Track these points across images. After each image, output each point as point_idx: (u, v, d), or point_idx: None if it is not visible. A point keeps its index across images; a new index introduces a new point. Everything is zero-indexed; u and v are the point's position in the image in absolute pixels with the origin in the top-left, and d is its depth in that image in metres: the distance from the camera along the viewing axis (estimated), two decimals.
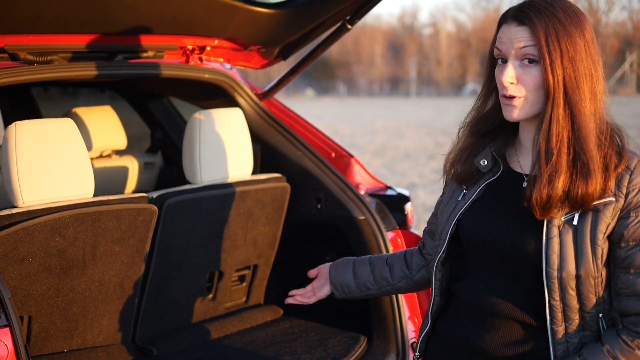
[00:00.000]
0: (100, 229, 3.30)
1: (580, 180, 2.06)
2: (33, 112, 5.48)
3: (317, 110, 39.77)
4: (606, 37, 68.08)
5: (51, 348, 3.37)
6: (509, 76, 2.15)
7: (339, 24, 3.84)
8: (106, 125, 4.35)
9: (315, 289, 2.83)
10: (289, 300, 2.86)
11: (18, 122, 3.12)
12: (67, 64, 3.51)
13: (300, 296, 2.85)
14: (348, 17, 3.78)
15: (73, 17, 3.30)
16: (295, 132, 4.20)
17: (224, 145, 3.81)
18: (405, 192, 4.14)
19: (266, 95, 4.34)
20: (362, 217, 3.84)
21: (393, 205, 4.03)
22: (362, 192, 4.07)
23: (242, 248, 3.97)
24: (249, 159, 3.92)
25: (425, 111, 39.19)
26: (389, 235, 3.86)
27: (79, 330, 3.44)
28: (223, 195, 3.77)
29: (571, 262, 2.09)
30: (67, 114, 4.33)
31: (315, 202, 4.04)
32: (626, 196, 2.08)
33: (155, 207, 3.49)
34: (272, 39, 3.97)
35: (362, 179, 4.20)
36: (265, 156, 4.23)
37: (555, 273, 2.10)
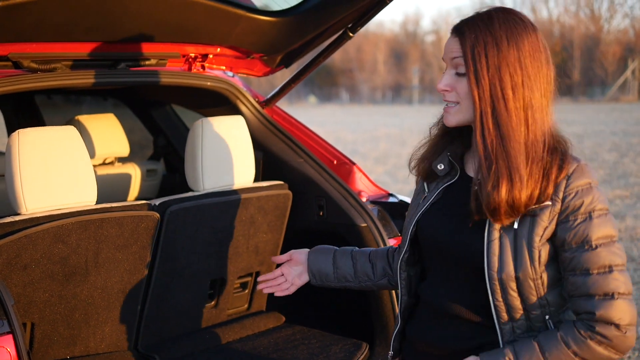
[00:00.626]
0: (102, 236, 3.30)
1: (515, 187, 2.12)
2: (36, 120, 5.50)
3: (319, 118, 39.79)
4: (608, 44, 68.13)
5: (54, 355, 3.37)
6: (442, 83, 2.28)
7: (341, 32, 3.85)
8: (109, 133, 4.36)
9: (294, 278, 2.83)
10: (261, 287, 2.84)
11: (21, 130, 3.13)
12: (70, 71, 3.53)
13: (276, 286, 2.82)
14: (350, 25, 3.79)
15: (76, 25, 3.31)
16: (297, 140, 4.21)
17: (226, 152, 3.82)
18: (407, 200, 4.15)
19: (268, 102, 4.35)
20: (364, 225, 3.85)
21: (395, 213, 4.04)
22: (364, 199, 4.08)
23: (244, 255, 3.97)
24: (251, 166, 3.93)
25: (427, 118, 38.58)
26: (391, 242, 3.86)
27: (81, 337, 3.45)
28: (225, 202, 3.78)
29: (510, 264, 2.16)
30: (70, 121, 4.34)
31: (317, 209, 4.05)
32: (563, 200, 2.14)
33: (157, 215, 3.50)
34: (274, 46, 3.99)
35: (364, 186, 4.21)
36: (267, 163, 4.24)
37: (495, 274, 2.17)
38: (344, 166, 4.24)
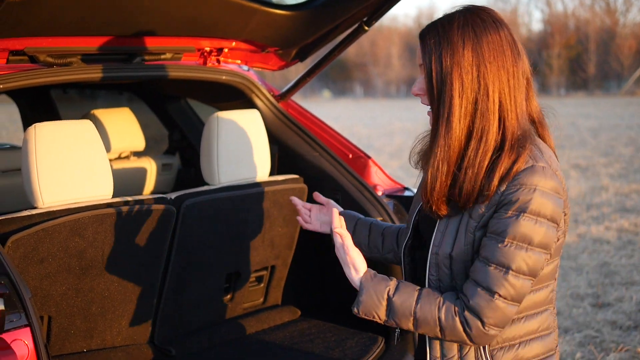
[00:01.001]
0: (119, 230, 3.31)
1: (458, 182, 2.24)
2: (52, 114, 5.52)
3: (333, 112, 39.78)
4: (624, 38, 67.80)
5: (71, 348, 3.39)
6: (414, 88, 2.39)
7: (356, 26, 3.85)
8: (124, 127, 4.37)
9: (317, 222, 3.01)
10: (295, 200, 3.05)
11: (38, 124, 3.14)
12: (86, 66, 3.53)
13: (302, 212, 3.04)
14: (365, 19, 3.79)
15: (92, 19, 3.32)
16: (312, 134, 4.21)
17: (242, 146, 3.82)
18: None
19: (283, 96, 4.35)
20: (379, 218, 3.85)
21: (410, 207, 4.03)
22: (379, 193, 4.07)
23: (260, 249, 3.98)
24: (267, 160, 3.93)
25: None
26: None
27: (98, 330, 3.46)
28: (241, 196, 3.78)
29: (448, 243, 2.28)
30: (86, 115, 4.35)
31: None
32: (502, 193, 2.18)
33: (173, 208, 3.51)
34: (289, 40, 3.98)
35: (380, 180, 4.20)
36: (283, 157, 4.24)
37: (435, 249, 2.32)
38: (360, 160, 4.24)
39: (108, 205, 3.28)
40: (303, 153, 4.17)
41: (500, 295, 2.17)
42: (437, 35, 2.25)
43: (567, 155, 18.25)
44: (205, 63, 4.01)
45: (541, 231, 2.16)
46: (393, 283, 2.31)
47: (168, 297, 3.67)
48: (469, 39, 2.21)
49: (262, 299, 4.25)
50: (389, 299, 2.28)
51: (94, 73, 3.54)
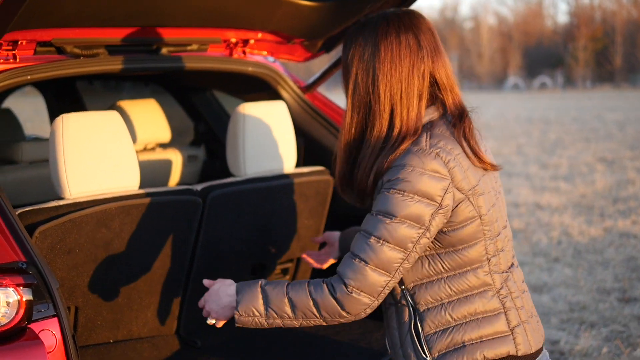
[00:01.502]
0: (145, 221, 3.32)
1: (340, 173, 2.54)
2: (78, 106, 5.53)
3: None
4: None
5: (97, 339, 3.40)
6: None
7: None
8: (150, 119, 4.37)
9: (326, 255, 3.30)
10: (304, 255, 3.33)
11: (65, 115, 3.15)
12: (112, 57, 3.54)
13: (314, 257, 3.33)
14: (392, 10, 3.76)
15: (118, 10, 3.32)
16: (338, 125, 4.20)
17: (268, 138, 3.81)
18: None
19: (309, 88, 4.33)
20: None
21: None
22: None
23: (286, 241, 3.97)
24: (293, 151, 3.92)
25: (466, 105, 38.87)
26: None
27: (124, 321, 3.47)
28: (266, 188, 3.77)
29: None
30: (112, 107, 4.36)
31: None
32: (382, 181, 2.33)
33: (199, 200, 3.51)
34: (315, 31, 3.97)
35: None
36: (309, 149, 4.23)
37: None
38: None
39: (134, 196, 3.29)
40: (329, 145, 4.16)
41: (362, 259, 2.31)
42: (353, 32, 2.44)
43: (592, 149, 18.14)
44: (231, 54, 4.00)
45: (408, 205, 2.27)
46: (264, 280, 2.48)
47: (194, 288, 3.67)
48: (368, 44, 2.38)
49: None
50: (263, 289, 2.43)
51: (120, 64, 3.55)
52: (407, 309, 2.47)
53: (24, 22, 3.08)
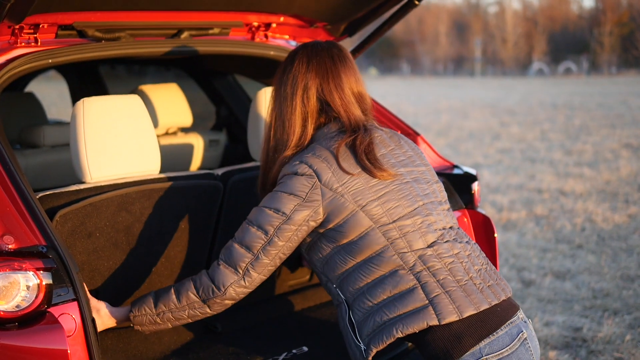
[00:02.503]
0: (166, 206, 3.31)
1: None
2: (100, 90, 5.54)
3: (380, 90, 39.68)
4: None
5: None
6: None
7: (406, 0, 3.79)
8: (172, 103, 4.37)
9: None
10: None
11: (86, 99, 3.14)
12: (134, 41, 3.53)
13: None
14: None
15: None
16: None
17: None
18: (472, 171, 4.08)
19: None
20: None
21: (460, 185, 3.98)
22: None
23: None
24: None
25: (490, 91, 38.87)
26: (456, 214, 3.81)
27: None
28: None
29: None
30: (134, 91, 4.35)
31: None
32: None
33: (220, 185, 3.49)
34: (338, 15, 3.94)
35: (428, 157, 4.15)
36: None
37: None
38: (408, 137, 4.18)
39: (155, 180, 3.28)
40: None
41: (234, 239, 2.77)
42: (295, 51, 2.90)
43: (618, 135, 18.02)
44: (253, 38, 3.99)
45: (275, 198, 2.70)
46: (151, 293, 2.90)
47: None
48: (279, 71, 2.91)
49: (308, 277, 4.23)
50: (155, 292, 2.87)
51: (142, 48, 3.54)
52: (343, 304, 2.71)
53: (46, 6, 3.07)
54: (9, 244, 2.58)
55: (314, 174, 2.66)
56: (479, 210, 3.99)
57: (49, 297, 2.58)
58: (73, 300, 2.63)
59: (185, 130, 4.71)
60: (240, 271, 2.72)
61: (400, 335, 2.55)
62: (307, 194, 2.65)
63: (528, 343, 2.62)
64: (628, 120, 21.86)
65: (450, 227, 2.79)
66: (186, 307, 2.76)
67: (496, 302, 2.62)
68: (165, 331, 3.53)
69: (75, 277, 2.63)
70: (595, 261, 7.46)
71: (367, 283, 2.63)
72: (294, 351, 3.46)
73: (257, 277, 2.75)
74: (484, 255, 2.83)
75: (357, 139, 2.72)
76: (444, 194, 2.90)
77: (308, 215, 2.66)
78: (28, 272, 2.56)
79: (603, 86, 42.85)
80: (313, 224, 2.68)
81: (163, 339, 3.52)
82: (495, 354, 2.53)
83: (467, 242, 2.77)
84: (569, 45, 77.77)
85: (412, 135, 4.18)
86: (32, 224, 2.67)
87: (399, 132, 4.20)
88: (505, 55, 78.43)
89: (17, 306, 2.56)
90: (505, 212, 9.66)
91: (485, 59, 78.18)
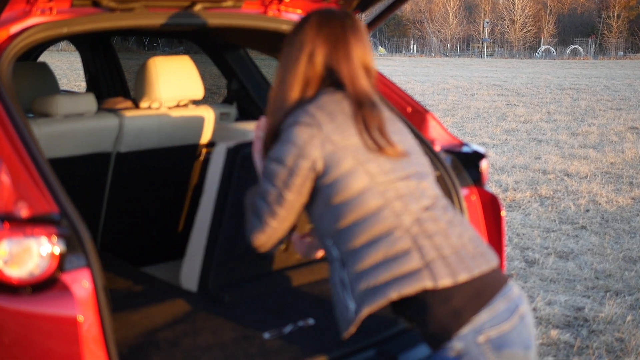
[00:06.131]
0: (176, 177, 3.33)
1: None
2: (112, 62, 5.55)
3: (388, 69, 39.54)
4: None
5: None
6: None
7: None
8: (184, 75, 4.37)
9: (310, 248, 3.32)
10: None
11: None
12: (148, 12, 3.54)
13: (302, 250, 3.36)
14: None
15: None
16: None
17: None
18: (481, 149, 4.09)
19: None
20: (436, 173, 3.82)
21: (468, 162, 4.00)
22: (437, 148, 4.04)
23: None
24: None
25: (497, 71, 38.71)
26: (463, 191, 3.83)
27: None
28: None
29: None
30: (146, 62, 4.37)
31: None
32: None
33: (231, 157, 3.52)
34: None
35: (438, 135, 4.16)
36: None
37: None
38: (418, 114, 4.20)
39: (166, 149, 3.30)
40: None
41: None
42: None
43: (623, 118, 17.99)
44: (266, 12, 3.99)
45: (277, 150, 2.69)
46: None
47: (223, 245, 3.69)
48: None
49: None
50: None
51: (156, 19, 3.55)
52: (336, 261, 2.67)
53: None
54: (22, 211, 2.61)
55: (314, 122, 2.64)
56: (487, 188, 4.01)
57: (61, 264, 2.60)
58: (85, 267, 2.65)
59: (196, 102, 4.72)
60: (261, 221, 2.74)
61: (395, 296, 2.54)
62: (306, 142, 2.63)
63: (525, 319, 2.63)
64: (634, 103, 21.80)
65: (442, 196, 2.80)
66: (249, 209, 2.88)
67: (487, 268, 2.62)
68: (172, 300, 3.57)
69: (88, 244, 2.66)
70: (598, 242, 7.49)
71: (363, 243, 2.60)
72: (300, 323, 3.49)
73: (278, 227, 2.75)
74: (471, 224, 2.85)
75: (365, 112, 2.70)
76: (431, 168, 2.90)
77: (310, 165, 2.64)
78: (41, 239, 2.59)
79: (610, 69, 42.65)
80: (314, 175, 2.66)
81: (169, 309, 3.56)
82: (495, 327, 2.54)
83: (456, 211, 2.79)
84: (577, 28, 77.36)
85: (421, 112, 4.20)
86: (46, 191, 2.69)
87: (409, 110, 4.23)
88: (513, 37, 78.05)
89: (31, 272, 2.59)
90: (510, 192, 9.68)
91: (494, 39, 77.81)
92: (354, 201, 2.61)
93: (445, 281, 2.53)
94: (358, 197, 2.61)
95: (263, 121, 2.90)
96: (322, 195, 2.67)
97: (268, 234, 2.76)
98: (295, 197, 2.69)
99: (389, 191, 2.63)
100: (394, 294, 2.54)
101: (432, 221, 2.64)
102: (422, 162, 2.83)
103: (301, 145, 2.62)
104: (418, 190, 2.69)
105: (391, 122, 2.80)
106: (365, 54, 2.79)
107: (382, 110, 2.77)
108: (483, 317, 2.54)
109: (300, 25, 2.81)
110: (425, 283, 2.53)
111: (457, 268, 2.56)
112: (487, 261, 2.64)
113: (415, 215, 2.62)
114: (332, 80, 2.76)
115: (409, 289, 2.53)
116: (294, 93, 2.75)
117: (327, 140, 2.62)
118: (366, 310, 2.58)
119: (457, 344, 2.53)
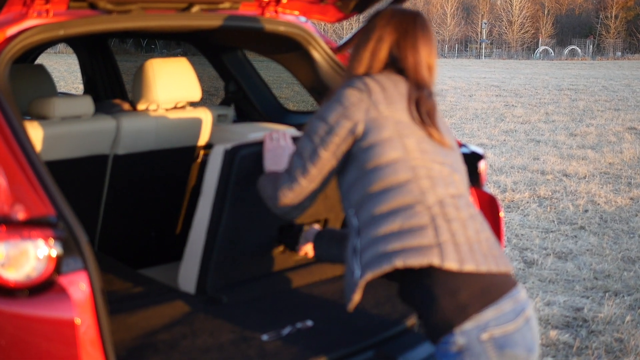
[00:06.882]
0: (174, 179, 3.33)
1: None
2: (110, 64, 5.54)
3: None
4: None
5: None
6: None
7: None
8: (181, 77, 4.37)
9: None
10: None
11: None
12: (145, 14, 3.53)
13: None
14: None
15: None
16: None
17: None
18: (479, 150, 4.09)
19: (341, 49, 4.31)
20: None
21: (466, 163, 3.98)
22: None
23: None
24: None
25: (495, 72, 38.72)
26: None
27: None
28: None
29: None
30: (144, 64, 4.36)
31: None
32: None
33: (228, 159, 3.51)
34: None
35: None
36: None
37: None
38: None
39: (163, 152, 3.30)
40: None
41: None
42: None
43: (621, 118, 18.00)
44: (263, 14, 3.99)
45: (324, 107, 2.80)
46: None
47: (222, 246, 3.69)
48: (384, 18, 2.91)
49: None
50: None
51: (153, 21, 3.55)
52: (353, 231, 2.73)
53: None
54: (19, 213, 2.60)
55: (365, 89, 2.74)
56: (485, 189, 4.01)
57: (58, 266, 2.60)
58: (82, 269, 2.64)
59: (194, 104, 4.71)
60: (291, 178, 2.84)
61: (400, 264, 2.55)
62: (353, 104, 2.73)
63: (530, 322, 2.63)
64: (632, 103, 21.82)
65: (469, 195, 2.85)
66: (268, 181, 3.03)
67: (496, 270, 2.61)
68: (170, 302, 3.56)
69: (85, 247, 2.65)
70: (597, 242, 7.49)
71: (383, 211, 2.64)
72: (298, 325, 3.49)
73: (306, 186, 2.84)
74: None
75: (420, 95, 2.82)
76: (466, 173, 2.94)
77: (350, 127, 2.72)
78: (38, 241, 2.58)
79: (608, 70, 42.68)
80: (352, 139, 2.74)
81: (167, 311, 3.55)
82: (500, 327, 2.54)
83: (481, 213, 2.80)
84: (574, 29, 77.41)
85: None
86: (43, 194, 2.68)
87: None
88: (511, 38, 78.10)
89: (28, 275, 2.58)
90: (508, 193, 9.68)
91: (491, 40, 77.85)
92: (386, 169, 2.66)
93: (451, 264, 2.54)
94: (389, 166, 2.66)
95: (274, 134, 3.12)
96: (357, 161, 2.74)
97: (296, 192, 2.85)
98: (329, 157, 2.77)
99: (421, 168, 2.68)
100: (399, 262, 2.55)
101: (454, 208, 2.66)
102: (460, 160, 2.90)
103: (347, 106, 2.72)
104: (449, 178, 2.74)
105: (441, 117, 2.88)
106: (431, 53, 2.91)
107: (437, 102, 2.87)
108: (488, 315, 2.54)
109: (374, 14, 2.92)
110: (433, 259, 2.54)
111: (466, 257, 2.57)
112: (497, 264, 2.63)
113: (439, 197, 2.66)
114: (396, 68, 2.86)
115: (415, 260, 2.55)
116: (360, 69, 2.85)
117: (373, 108, 2.71)
118: (369, 275, 2.60)
119: (459, 339, 2.54)
